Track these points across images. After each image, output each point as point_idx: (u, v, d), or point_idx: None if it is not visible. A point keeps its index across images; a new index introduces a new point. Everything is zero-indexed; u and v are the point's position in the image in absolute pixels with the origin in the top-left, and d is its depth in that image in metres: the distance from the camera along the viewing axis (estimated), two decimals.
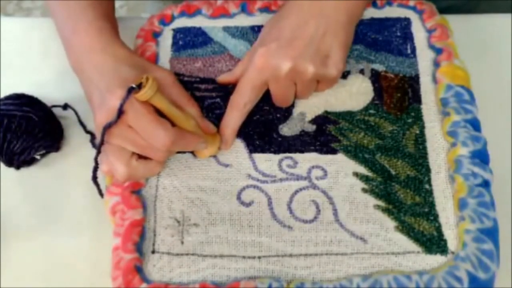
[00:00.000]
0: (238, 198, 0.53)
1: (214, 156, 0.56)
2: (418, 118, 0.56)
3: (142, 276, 0.50)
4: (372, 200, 0.52)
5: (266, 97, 0.58)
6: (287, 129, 0.57)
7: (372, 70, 0.59)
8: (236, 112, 0.55)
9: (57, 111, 0.60)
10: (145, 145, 0.51)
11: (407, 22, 0.62)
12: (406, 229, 0.51)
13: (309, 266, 0.50)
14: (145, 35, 0.63)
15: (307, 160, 0.55)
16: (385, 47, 0.60)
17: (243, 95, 0.55)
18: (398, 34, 0.61)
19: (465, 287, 0.47)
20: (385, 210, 0.52)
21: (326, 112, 0.58)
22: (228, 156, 0.56)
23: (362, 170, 0.54)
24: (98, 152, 0.52)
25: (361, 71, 0.59)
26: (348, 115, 0.57)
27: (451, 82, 0.57)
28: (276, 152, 0.55)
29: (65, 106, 0.61)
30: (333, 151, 0.55)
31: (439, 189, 0.53)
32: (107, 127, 0.50)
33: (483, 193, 0.51)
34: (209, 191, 0.54)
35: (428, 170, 0.54)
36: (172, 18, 0.65)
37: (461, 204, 0.51)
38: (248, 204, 0.53)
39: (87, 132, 0.59)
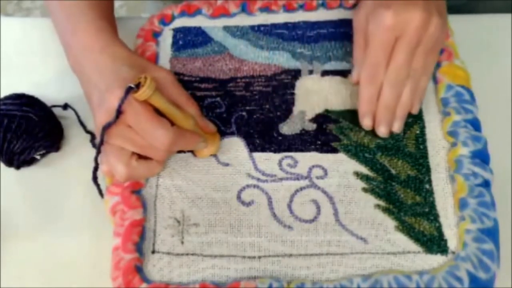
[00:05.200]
0: (238, 197, 0.53)
1: (214, 156, 0.56)
2: (419, 118, 0.56)
3: (142, 276, 0.50)
4: (372, 200, 0.52)
5: (266, 95, 0.59)
6: (287, 128, 0.57)
7: None
8: (370, 85, 0.54)
9: (57, 111, 0.60)
10: (145, 144, 0.51)
11: None
12: (407, 229, 0.51)
13: (309, 266, 0.50)
14: (145, 35, 0.63)
15: (307, 159, 0.55)
16: None
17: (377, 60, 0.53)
18: None
19: (466, 287, 0.47)
20: (386, 210, 0.52)
21: (326, 110, 0.58)
22: (228, 155, 0.56)
23: (363, 169, 0.54)
24: (98, 152, 0.52)
25: None
26: (348, 114, 0.57)
27: (452, 82, 0.57)
28: (276, 151, 0.55)
29: (65, 106, 0.61)
30: (334, 150, 0.55)
31: (439, 189, 0.53)
32: (106, 127, 0.50)
33: (483, 193, 0.51)
34: (209, 191, 0.54)
35: (428, 170, 0.54)
36: (172, 18, 0.65)
37: (462, 204, 0.51)
38: (248, 204, 0.53)
39: (87, 132, 0.59)
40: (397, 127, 0.55)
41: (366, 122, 0.55)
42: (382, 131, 0.55)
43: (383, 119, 0.55)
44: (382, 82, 0.54)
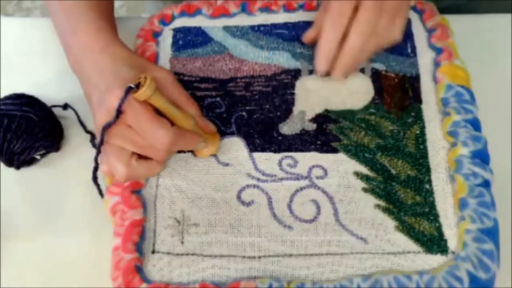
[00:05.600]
0: (238, 197, 0.53)
1: (214, 156, 0.56)
2: (419, 118, 0.56)
3: (142, 276, 0.50)
4: (372, 200, 0.52)
5: (266, 95, 0.59)
6: (287, 128, 0.57)
7: (373, 69, 0.59)
8: (335, 29, 0.54)
9: (57, 111, 0.60)
10: (145, 144, 0.51)
11: (407, 21, 0.62)
12: (407, 229, 0.51)
13: (309, 266, 0.50)
14: (145, 35, 0.63)
15: (307, 159, 0.55)
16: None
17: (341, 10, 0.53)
18: None
19: (466, 287, 0.47)
20: (386, 210, 0.52)
21: (326, 111, 0.58)
22: (228, 155, 0.56)
23: (363, 169, 0.54)
24: (98, 152, 0.52)
25: (362, 70, 0.59)
26: (348, 114, 0.57)
27: (452, 82, 0.57)
28: (276, 151, 0.55)
29: (65, 106, 0.61)
30: (334, 150, 0.55)
31: (439, 189, 0.53)
32: (106, 127, 0.50)
33: (483, 193, 0.51)
34: (209, 191, 0.54)
35: (428, 170, 0.54)
36: (172, 18, 0.65)
37: (462, 204, 0.51)
38: (248, 204, 0.53)
39: (87, 132, 0.59)
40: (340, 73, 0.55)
41: (322, 67, 0.55)
42: (338, 75, 0.55)
43: (345, 64, 0.55)
44: (345, 32, 0.53)
